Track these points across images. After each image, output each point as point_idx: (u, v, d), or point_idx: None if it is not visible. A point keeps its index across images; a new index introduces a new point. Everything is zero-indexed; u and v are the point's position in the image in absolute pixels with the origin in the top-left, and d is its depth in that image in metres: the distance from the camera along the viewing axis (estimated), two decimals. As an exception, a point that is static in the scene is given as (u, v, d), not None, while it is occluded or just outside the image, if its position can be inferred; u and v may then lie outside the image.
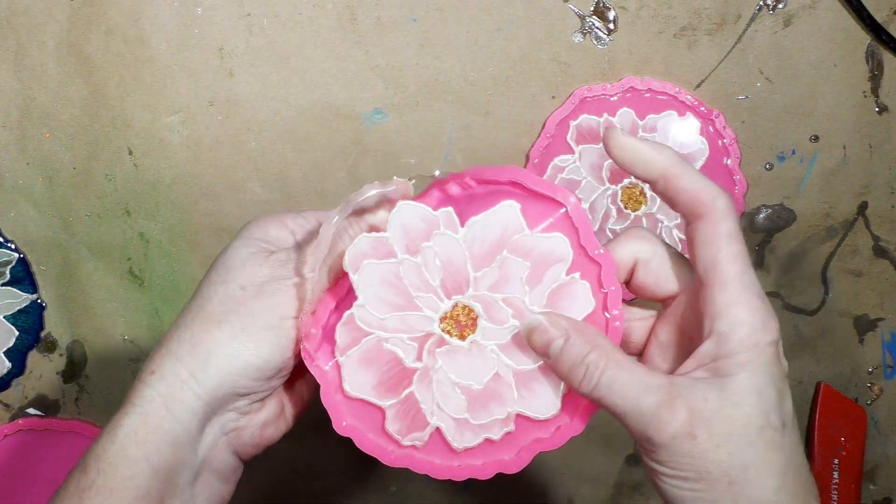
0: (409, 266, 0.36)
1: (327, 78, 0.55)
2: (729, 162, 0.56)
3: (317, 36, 0.55)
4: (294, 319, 0.36)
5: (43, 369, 0.58)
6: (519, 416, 0.36)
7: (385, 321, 0.36)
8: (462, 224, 0.36)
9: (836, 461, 0.58)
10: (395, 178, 0.36)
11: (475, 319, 0.36)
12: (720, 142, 0.56)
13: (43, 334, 0.58)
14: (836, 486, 0.58)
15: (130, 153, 0.56)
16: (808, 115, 0.56)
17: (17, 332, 0.57)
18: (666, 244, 0.36)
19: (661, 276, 0.36)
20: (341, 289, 0.37)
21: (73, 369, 0.58)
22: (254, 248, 0.38)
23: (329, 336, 0.36)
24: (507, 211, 0.36)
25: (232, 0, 0.54)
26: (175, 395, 0.35)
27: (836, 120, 0.56)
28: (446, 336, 0.36)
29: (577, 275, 0.36)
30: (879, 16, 0.55)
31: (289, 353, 0.36)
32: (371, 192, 0.36)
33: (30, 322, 0.57)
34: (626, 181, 0.56)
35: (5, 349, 0.57)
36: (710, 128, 0.56)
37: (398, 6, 0.55)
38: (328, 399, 0.36)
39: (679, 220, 0.56)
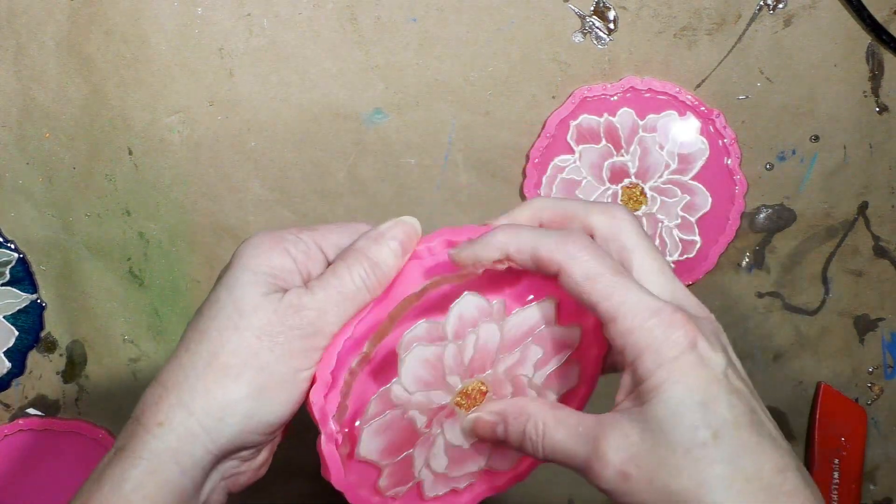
0: (452, 350, 0.36)
1: (327, 78, 0.55)
2: (729, 162, 0.56)
3: (317, 36, 0.55)
4: (307, 371, 0.35)
5: (43, 369, 0.58)
6: (486, 470, 0.39)
7: (413, 396, 0.37)
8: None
9: (836, 461, 0.58)
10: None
11: (484, 394, 0.38)
12: (720, 142, 0.56)
13: (43, 334, 0.58)
14: (836, 487, 0.58)
15: (130, 153, 0.56)
16: (809, 115, 0.56)
17: (16, 332, 0.57)
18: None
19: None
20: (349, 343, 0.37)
21: (73, 369, 0.58)
22: (264, 288, 0.35)
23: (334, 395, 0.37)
24: (546, 307, 0.37)
25: (232, 0, 0.54)
26: (185, 449, 0.34)
27: (837, 120, 0.56)
28: (457, 409, 0.38)
29: (575, 360, 0.38)
30: (880, 16, 0.55)
31: (299, 404, 0.35)
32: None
33: (30, 322, 0.57)
34: (626, 181, 0.56)
35: (5, 349, 0.57)
36: (711, 128, 0.56)
37: (398, 6, 0.55)
38: (334, 460, 0.36)
39: (679, 220, 0.56)
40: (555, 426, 0.34)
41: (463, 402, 0.38)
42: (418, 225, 0.37)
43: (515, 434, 0.35)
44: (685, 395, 0.31)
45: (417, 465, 0.38)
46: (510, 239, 0.34)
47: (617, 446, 0.31)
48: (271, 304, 0.35)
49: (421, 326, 0.36)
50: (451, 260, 0.36)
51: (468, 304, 0.36)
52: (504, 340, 0.37)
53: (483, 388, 0.38)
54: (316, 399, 0.35)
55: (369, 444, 0.37)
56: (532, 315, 0.37)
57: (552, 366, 0.38)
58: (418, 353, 0.36)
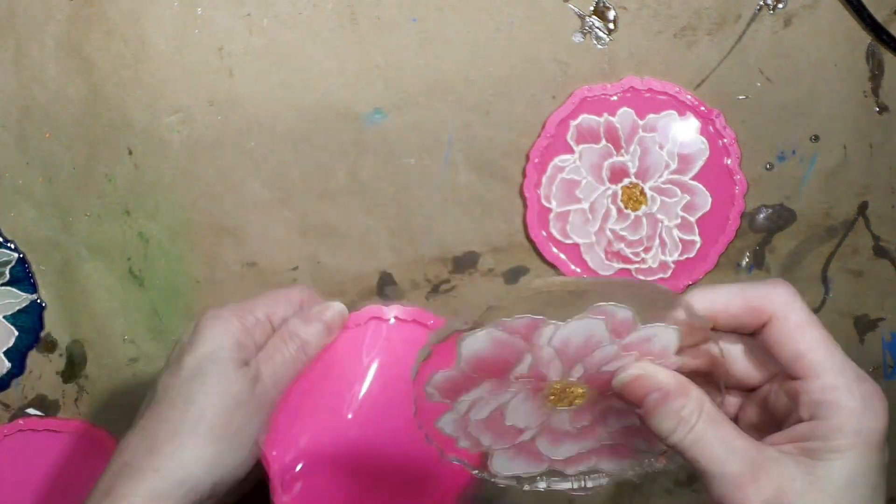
0: (610, 350, 0.35)
1: (327, 78, 0.55)
2: (729, 162, 0.56)
3: (317, 36, 0.55)
4: (261, 432, 0.43)
5: (43, 369, 0.58)
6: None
7: (545, 349, 0.35)
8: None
9: None
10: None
11: (572, 403, 0.36)
12: (720, 142, 0.56)
13: (42, 334, 0.58)
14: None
15: (130, 153, 0.56)
16: (809, 114, 0.56)
17: (16, 332, 0.57)
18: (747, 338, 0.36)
19: (749, 367, 0.36)
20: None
21: (73, 369, 0.58)
22: (236, 362, 0.43)
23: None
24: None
25: (232, 0, 0.54)
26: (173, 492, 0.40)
27: (837, 120, 0.56)
28: (547, 390, 0.36)
29: (641, 462, 0.38)
30: (880, 15, 0.55)
31: (255, 459, 0.43)
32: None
33: (29, 322, 0.57)
34: (626, 181, 0.56)
35: (5, 349, 0.57)
36: (711, 128, 0.56)
37: (398, 6, 0.55)
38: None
39: (679, 220, 0.56)
40: (713, 424, 0.33)
41: (558, 391, 0.36)
42: (345, 311, 0.47)
43: (666, 410, 0.33)
44: (864, 472, 0.31)
45: (467, 395, 0.36)
46: (714, 295, 0.34)
47: (778, 485, 0.31)
48: (242, 376, 0.42)
49: (625, 312, 0.34)
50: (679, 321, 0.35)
51: (667, 336, 0.35)
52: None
53: (580, 399, 0.36)
54: (267, 452, 0.43)
55: (476, 341, 0.35)
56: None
57: (626, 442, 0.37)
58: (592, 325, 0.34)
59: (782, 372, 0.34)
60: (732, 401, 0.37)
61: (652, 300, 0.35)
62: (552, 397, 0.36)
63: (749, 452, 0.32)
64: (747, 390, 0.37)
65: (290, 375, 0.44)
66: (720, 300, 0.34)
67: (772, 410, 0.35)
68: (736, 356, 0.36)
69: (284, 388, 0.44)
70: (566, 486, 0.38)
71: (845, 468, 0.31)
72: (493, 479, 0.37)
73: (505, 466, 0.37)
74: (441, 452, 0.38)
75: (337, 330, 0.46)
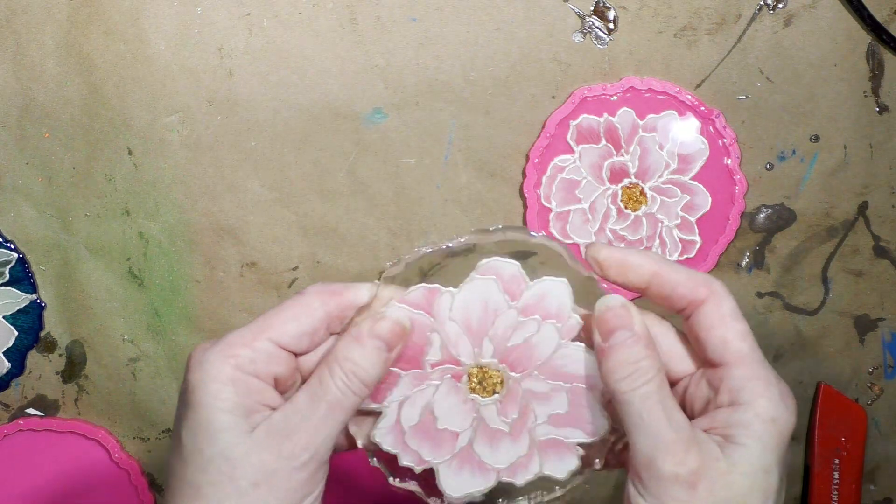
0: (510, 316, 0.36)
1: (327, 78, 0.55)
2: (729, 162, 0.56)
3: (317, 36, 0.55)
4: (314, 494, 0.34)
5: (42, 369, 0.58)
6: (429, 470, 0.37)
7: (449, 323, 0.36)
8: None
9: (836, 461, 0.58)
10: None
11: (493, 392, 0.37)
12: (720, 141, 0.56)
13: (42, 334, 0.58)
14: (836, 487, 0.58)
15: (130, 153, 0.56)
16: (809, 114, 0.56)
17: (16, 333, 0.57)
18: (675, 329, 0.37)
19: (674, 358, 0.36)
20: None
21: (73, 369, 0.58)
22: (244, 424, 0.33)
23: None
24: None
25: (232, 0, 0.54)
26: None
27: (837, 120, 0.56)
28: (465, 378, 0.37)
29: (579, 450, 0.37)
30: (880, 15, 0.55)
31: None
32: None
33: (29, 322, 0.57)
34: (626, 181, 0.56)
35: (5, 349, 0.57)
36: (711, 128, 0.56)
37: (398, 6, 0.55)
38: None
39: (679, 220, 0.56)
40: (664, 389, 0.33)
41: (475, 378, 0.37)
42: (404, 321, 0.35)
43: (627, 355, 0.33)
44: (776, 462, 0.33)
45: (393, 395, 0.36)
46: (661, 261, 0.35)
47: (704, 460, 0.32)
48: (259, 439, 0.32)
49: (512, 267, 0.35)
50: (588, 255, 0.36)
51: (559, 291, 0.36)
52: (550, 362, 0.36)
53: (499, 386, 0.37)
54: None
55: (385, 322, 0.35)
56: (588, 364, 0.36)
57: (560, 434, 0.37)
58: (485, 287, 0.35)
59: (704, 361, 0.35)
60: None
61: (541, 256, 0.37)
62: (473, 386, 0.37)
63: (685, 425, 0.33)
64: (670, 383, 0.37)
65: (342, 412, 0.33)
66: (664, 267, 0.35)
67: (690, 401, 0.36)
68: (665, 346, 0.36)
69: (338, 430, 0.34)
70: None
71: (762, 454, 0.32)
72: None
73: (454, 485, 0.37)
74: (387, 474, 0.38)
75: (398, 347, 0.35)
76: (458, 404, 0.37)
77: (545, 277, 0.36)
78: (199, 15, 0.54)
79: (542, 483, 0.38)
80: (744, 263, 0.58)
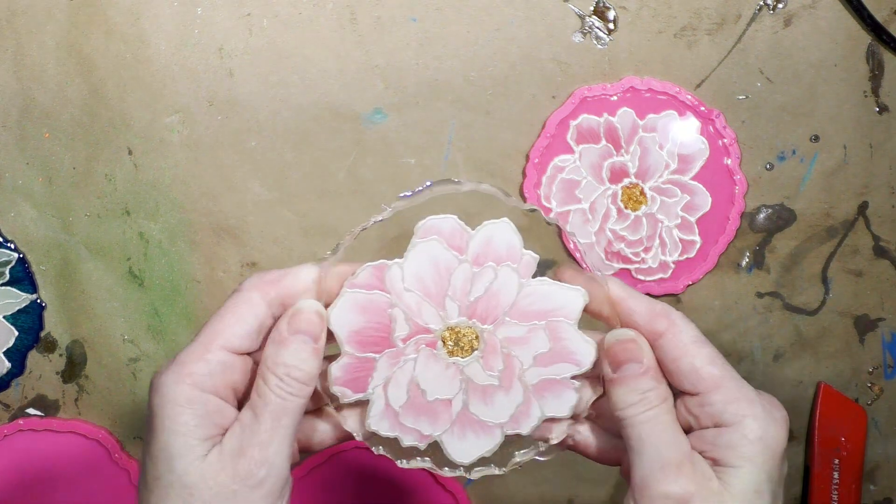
0: (464, 271, 0.36)
1: (327, 78, 0.55)
2: (729, 162, 0.56)
3: (317, 36, 0.55)
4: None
5: (42, 369, 0.58)
6: (436, 443, 0.37)
7: (406, 294, 0.36)
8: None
9: (836, 461, 0.58)
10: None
11: (472, 349, 0.37)
12: (720, 142, 0.56)
13: (42, 334, 0.58)
14: (836, 487, 0.58)
15: (130, 153, 0.56)
16: (809, 114, 0.56)
17: (16, 333, 0.57)
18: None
19: None
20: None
21: (73, 369, 0.58)
22: (200, 448, 0.32)
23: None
24: (573, 297, 0.36)
25: (232, 0, 0.54)
26: None
27: (837, 120, 0.56)
28: (440, 343, 0.36)
29: (576, 384, 0.37)
30: (880, 15, 0.55)
31: None
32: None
33: (29, 322, 0.57)
34: (626, 181, 0.56)
35: (5, 349, 0.57)
36: (711, 128, 0.56)
37: (398, 6, 0.55)
38: None
39: (679, 220, 0.56)
40: (669, 413, 0.34)
41: (449, 340, 0.37)
42: (318, 307, 0.35)
43: (637, 385, 0.34)
44: (767, 482, 0.33)
45: (374, 380, 0.36)
46: (621, 289, 0.36)
47: (699, 481, 0.33)
48: (213, 463, 0.32)
49: (449, 220, 0.35)
50: (556, 276, 0.36)
51: (503, 231, 0.36)
52: (518, 304, 0.36)
53: (476, 342, 0.37)
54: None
55: (342, 315, 0.36)
56: (556, 295, 0.36)
57: (550, 373, 0.37)
58: (430, 249, 0.35)
59: (681, 391, 0.35)
60: None
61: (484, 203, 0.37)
62: (451, 349, 0.37)
63: (685, 446, 0.33)
64: None
65: (289, 417, 0.33)
66: (622, 295, 0.35)
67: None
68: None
69: (291, 434, 0.34)
70: (534, 452, 0.38)
71: (752, 475, 0.32)
72: (467, 476, 0.37)
73: (462, 451, 0.37)
74: (394, 458, 0.38)
75: (323, 335, 0.35)
76: (441, 371, 0.37)
77: (485, 222, 0.36)
78: (199, 15, 0.54)
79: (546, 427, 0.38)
80: (744, 263, 0.58)
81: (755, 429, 0.33)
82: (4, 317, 0.57)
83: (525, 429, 0.37)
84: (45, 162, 0.56)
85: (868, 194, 0.57)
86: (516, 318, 0.36)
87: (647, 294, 0.56)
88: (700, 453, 0.34)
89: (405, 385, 0.37)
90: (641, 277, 0.57)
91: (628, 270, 0.57)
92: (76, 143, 0.56)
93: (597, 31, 0.55)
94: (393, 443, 0.37)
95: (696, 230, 0.56)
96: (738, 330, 0.58)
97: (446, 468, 0.38)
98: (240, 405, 0.35)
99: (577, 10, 0.55)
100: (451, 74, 0.55)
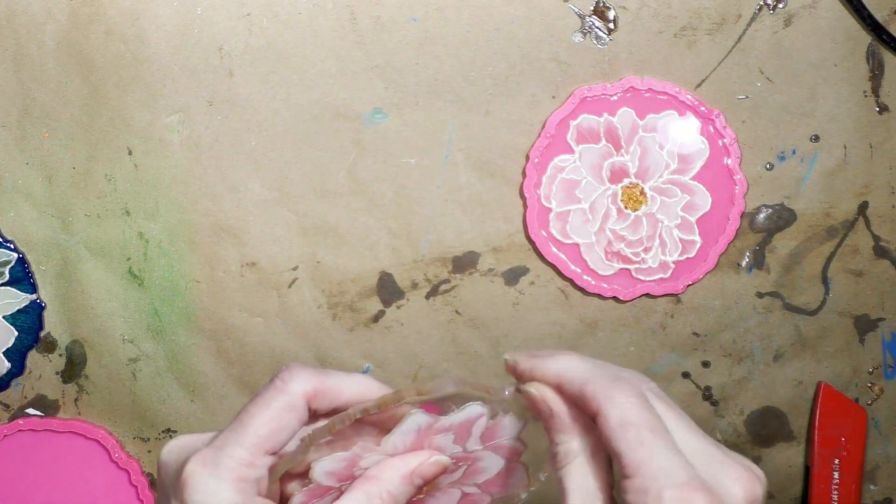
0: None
1: (327, 78, 0.55)
2: (729, 162, 0.56)
3: (317, 36, 0.55)
4: None
5: (42, 369, 0.58)
6: None
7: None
8: None
9: (836, 461, 0.58)
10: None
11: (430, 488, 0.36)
12: (720, 141, 0.56)
13: (42, 334, 0.58)
14: (836, 487, 0.58)
15: (130, 153, 0.56)
16: (809, 114, 0.56)
17: (16, 333, 0.57)
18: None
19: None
20: None
21: (73, 369, 0.58)
22: None
23: None
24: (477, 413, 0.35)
25: (232, 0, 0.54)
26: None
27: (837, 120, 0.56)
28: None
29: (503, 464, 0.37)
30: (880, 15, 0.55)
31: None
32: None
33: (29, 322, 0.57)
34: (626, 181, 0.56)
35: (4, 349, 0.57)
36: (711, 128, 0.56)
37: (398, 6, 0.55)
38: None
39: (679, 220, 0.56)
40: (583, 468, 0.33)
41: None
42: (445, 458, 0.35)
43: (634, 418, 0.31)
44: None
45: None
46: (572, 365, 0.33)
47: None
48: None
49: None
50: (507, 363, 0.34)
51: (475, 415, 0.34)
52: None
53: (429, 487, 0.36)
54: None
55: (326, 464, 0.34)
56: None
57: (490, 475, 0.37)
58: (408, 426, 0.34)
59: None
60: None
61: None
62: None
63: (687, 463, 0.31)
64: None
65: None
66: (570, 372, 0.33)
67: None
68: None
69: None
70: None
71: None
72: None
73: None
74: None
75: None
76: None
77: (461, 407, 0.34)
78: (199, 15, 0.54)
79: None
80: (744, 263, 0.58)
81: (673, 497, 0.30)
82: (4, 317, 0.57)
83: None
84: (45, 162, 0.56)
85: (868, 194, 0.57)
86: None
87: (647, 294, 0.57)
88: None
89: None
90: (641, 277, 0.57)
91: (628, 270, 0.57)
92: (76, 143, 0.56)
93: (597, 30, 0.55)
94: None
95: (697, 230, 0.56)
96: (738, 330, 0.58)
97: None
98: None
99: (577, 9, 0.55)
100: (451, 74, 0.55)
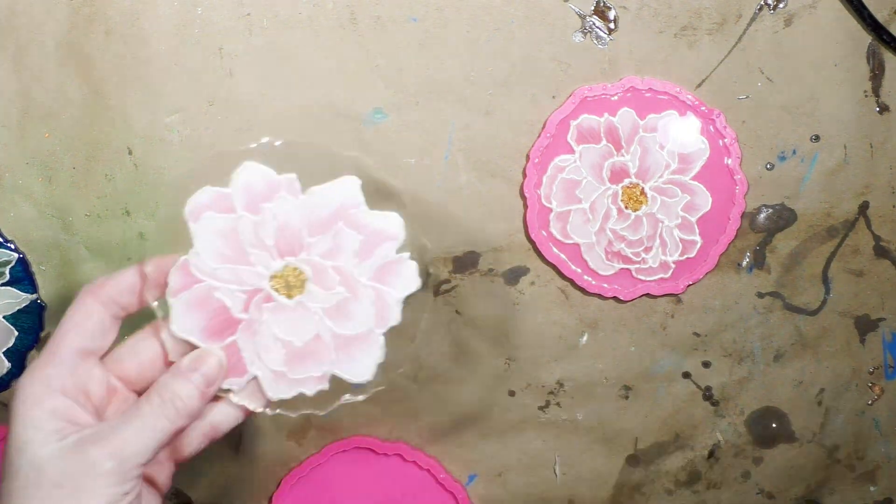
0: (246, 223, 0.38)
1: (327, 78, 0.55)
2: (730, 162, 0.56)
3: (317, 36, 0.55)
4: (130, 495, 0.37)
5: (43, 369, 0.58)
6: (334, 376, 0.39)
7: (217, 271, 0.38)
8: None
9: None
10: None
11: (304, 281, 0.39)
12: (721, 141, 0.56)
13: (43, 334, 0.58)
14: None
15: (130, 153, 0.56)
16: (809, 114, 0.56)
17: (16, 333, 0.57)
18: None
19: None
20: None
21: (73, 369, 0.58)
22: (52, 437, 0.36)
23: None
24: (348, 184, 0.39)
25: (232, 0, 0.54)
26: None
27: (837, 120, 0.56)
28: (274, 293, 0.39)
29: (406, 255, 0.40)
30: (880, 15, 0.55)
31: None
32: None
33: (29, 322, 0.57)
34: (626, 181, 0.56)
35: (5, 349, 0.57)
36: (711, 127, 0.55)
37: (398, 6, 0.55)
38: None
39: (680, 220, 0.56)
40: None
41: (281, 288, 0.38)
42: (221, 358, 0.39)
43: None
44: None
45: (248, 356, 0.39)
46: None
47: None
48: (67, 446, 0.36)
49: (206, 192, 0.38)
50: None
51: (251, 172, 0.38)
52: (310, 222, 0.38)
53: (302, 274, 0.38)
54: None
55: (183, 320, 0.38)
56: (331, 192, 0.38)
57: (378, 259, 0.39)
58: (210, 223, 0.38)
59: None
60: None
61: None
62: (288, 292, 0.39)
63: None
64: None
65: (154, 434, 0.37)
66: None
67: None
68: None
69: (153, 448, 0.37)
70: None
71: None
72: (372, 390, 0.40)
73: (361, 371, 0.39)
74: (321, 410, 0.40)
75: (217, 384, 0.40)
76: (292, 316, 0.39)
77: (234, 174, 0.39)
78: (199, 15, 0.54)
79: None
80: (744, 263, 0.58)
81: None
82: (4, 317, 0.57)
83: (394, 319, 0.39)
84: (45, 162, 0.56)
85: (868, 194, 0.57)
86: (317, 233, 0.38)
87: (647, 294, 0.57)
88: None
89: (273, 346, 0.39)
90: (642, 277, 0.57)
91: (629, 270, 0.57)
92: (76, 143, 0.56)
93: (597, 30, 0.55)
94: (297, 399, 0.39)
95: (697, 230, 0.56)
96: (738, 330, 0.58)
97: (348, 395, 0.40)
98: (97, 413, 0.39)
99: (577, 9, 0.55)
100: (451, 74, 0.55)
